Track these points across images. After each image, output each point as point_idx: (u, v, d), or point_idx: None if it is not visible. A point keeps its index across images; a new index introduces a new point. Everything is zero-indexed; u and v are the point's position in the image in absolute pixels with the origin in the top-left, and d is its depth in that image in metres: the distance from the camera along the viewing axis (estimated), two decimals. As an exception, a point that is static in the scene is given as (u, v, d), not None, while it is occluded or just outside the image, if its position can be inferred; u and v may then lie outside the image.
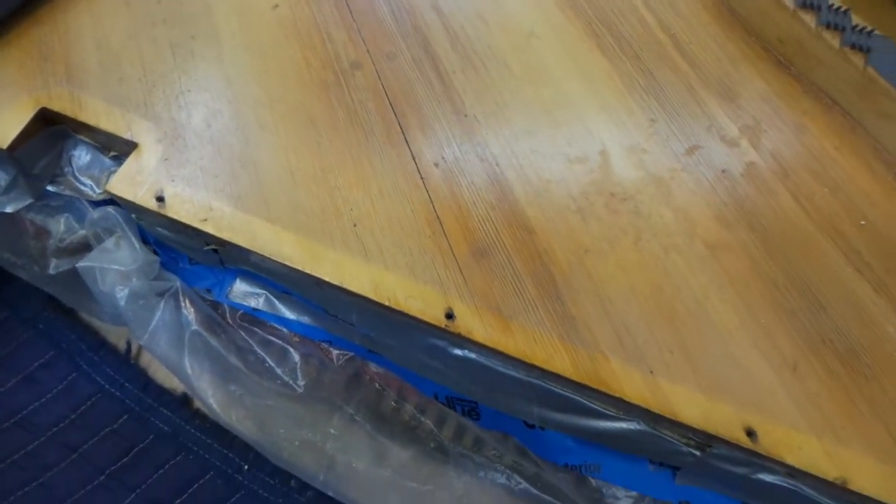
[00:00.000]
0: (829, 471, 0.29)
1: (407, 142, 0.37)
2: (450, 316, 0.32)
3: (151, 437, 0.44)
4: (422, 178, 0.36)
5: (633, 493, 0.37)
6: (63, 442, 0.44)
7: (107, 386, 0.45)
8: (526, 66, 0.40)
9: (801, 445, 0.30)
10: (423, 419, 0.41)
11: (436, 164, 0.37)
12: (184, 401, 0.45)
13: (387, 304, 0.33)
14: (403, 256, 0.34)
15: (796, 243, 0.35)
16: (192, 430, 0.44)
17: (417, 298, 0.33)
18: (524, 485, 0.40)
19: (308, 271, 0.33)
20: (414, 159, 0.37)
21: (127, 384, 0.46)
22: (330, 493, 0.39)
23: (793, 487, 0.31)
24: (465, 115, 0.39)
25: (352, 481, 0.39)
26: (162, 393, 0.46)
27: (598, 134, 0.38)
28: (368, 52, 0.41)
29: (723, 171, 0.37)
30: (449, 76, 0.40)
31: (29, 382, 0.46)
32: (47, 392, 0.45)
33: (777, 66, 0.41)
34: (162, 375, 0.47)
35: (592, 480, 0.37)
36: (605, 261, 0.34)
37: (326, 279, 0.33)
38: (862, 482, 0.29)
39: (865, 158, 0.37)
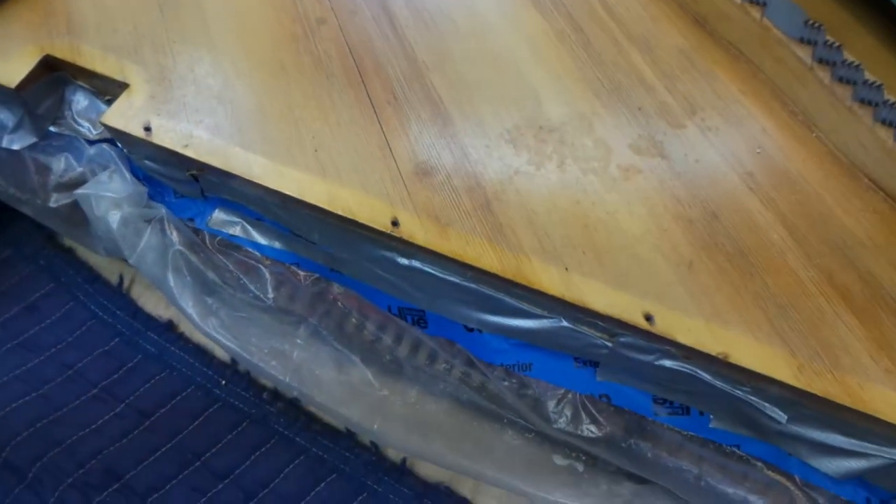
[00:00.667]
0: (713, 347, 0.34)
1: (364, 83, 0.43)
2: (395, 223, 0.38)
3: (140, 356, 0.49)
4: (375, 111, 0.42)
5: (561, 390, 0.42)
6: (61, 360, 0.49)
7: (100, 313, 0.51)
8: (471, 22, 0.46)
9: (691, 328, 0.35)
10: (382, 336, 0.46)
11: (388, 102, 0.42)
12: (169, 326, 0.50)
13: (340, 213, 0.38)
14: (357, 175, 0.39)
15: (699, 167, 0.40)
16: (176, 351, 0.49)
17: (367, 208, 0.38)
18: (470, 393, 0.45)
19: (274, 187, 0.39)
20: (369, 97, 0.42)
21: (118, 312, 0.51)
22: (295, 395, 0.44)
23: (690, 371, 0.36)
24: (416, 62, 0.44)
25: (316, 387, 0.44)
26: (149, 319, 0.51)
27: (532, 79, 0.43)
28: (333, 9, 0.46)
29: (639, 109, 0.42)
30: (402, 29, 0.45)
31: (31, 310, 0.51)
32: (47, 318, 0.50)
33: (693, 24, 0.46)
34: (151, 305, 0.52)
35: (528, 381, 0.42)
36: (531, 180, 0.39)
37: (289, 193, 0.38)
38: (741, 356, 0.34)
39: (764, 98, 0.43)
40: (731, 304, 0.36)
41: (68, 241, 0.54)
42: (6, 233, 0.53)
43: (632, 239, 0.37)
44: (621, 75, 0.44)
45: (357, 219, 0.38)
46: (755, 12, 0.43)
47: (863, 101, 0.38)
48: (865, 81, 0.39)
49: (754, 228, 0.38)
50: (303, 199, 0.38)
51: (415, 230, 0.37)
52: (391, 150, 0.40)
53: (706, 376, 0.36)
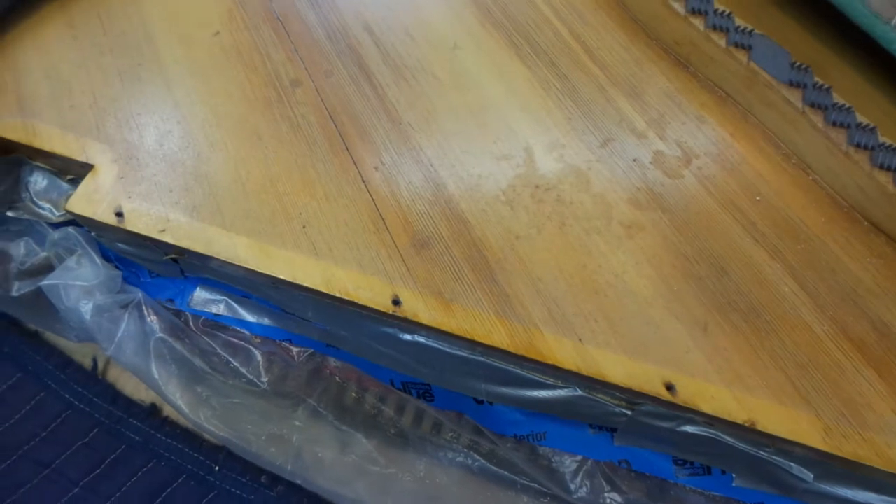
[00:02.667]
0: (739, 415, 0.33)
1: (348, 149, 0.41)
2: (396, 302, 0.36)
3: (123, 447, 0.46)
4: (363, 181, 0.39)
5: (578, 457, 0.40)
6: (35, 459, 0.45)
7: (75, 402, 0.47)
8: (452, 75, 0.44)
9: (714, 395, 0.34)
10: (383, 408, 0.44)
11: (375, 168, 0.40)
12: (152, 411, 0.47)
13: (338, 295, 0.36)
14: (351, 252, 0.37)
15: (701, 219, 0.39)
16: (163, 438, 0.46)
17: (366, 289, 0.36)
18: (481, 461, 0.43)
19: (263, 271, 0.36)
20: (355, 164, 0.40)
21: (95, 399, 0.47)
22: (298, 482, 0.42)
23: (713, 436, 0.35)
24: (400, 123, 0.42)
25: (319, 470, 0.42)
26: (131, 405, 0.47)
27: (521, 133, 0.42)
28: (307, 70, 0.44)
29: (634, 160, 0.41)
30: (383, 88, 0.43)
31: (-4, 405, 0.47)
32: (16, 413, 0.46)
33: (676, 65, 0.46)
34: (130, 388, 0.48)
35: (542, 449, 0.41)
36: (533, 245, 0.38)
37: (280, 276, 0.36)
38: (767, 423, 0.33)
39: (757, 142, 0.42)
40: (750, 366, 0.35)
41: (33, 326, 0.50)
42: (-38, 321, 0.49)
43: (643, 302, 0.36)
44: (612, 124, 0.43)
45: (356, 300, 0.36)
46: (741, 56, 0.42)
47: (858, 146, 0.38)
48: (859, 125, 0.38)
49: (764, 283, 0.37)
50: (295, 282, 0.36)
51: (418, 308, 0.36)
52: (385, 223, 0.38)
53: (730, 440, 0.35)
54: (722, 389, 0.34)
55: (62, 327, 0.45)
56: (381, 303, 0.36)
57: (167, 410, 0.47)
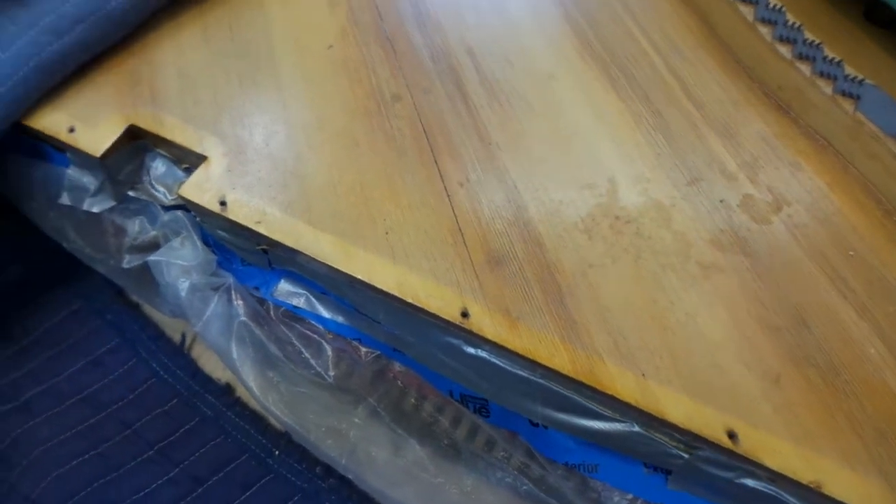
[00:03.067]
0: (804, 475, 0.32)
1: (436, 163, 0.43)
2: (465, 314, 0.37)
3: (197, 419, 0.49)
4: (448, 195, 0.41)
5: (629, 496, 0.39)
6: (120, 419, 0.49)
7: (161, 372, 0.51)
8: (545, 102, 0.45)
9: (779, 450, 0.33)
10: (440, 418, 0.45)
11: (460, 184, 0.42)
12: (227, 389, 0.50)
13: (409, 300, 0.37)
14: (427, 261, 0.38)
15: (785, 268, 0.38)
16: (232, 416, 0.49)
17: (437, 297, 0.37)
18: (529, 486, 0.43)
19: (342, 269, 0.38)
20: (441, 178, 0.42)
21: (178, 371, 0.51)
22: (350, 477, 0.43)
23: (774, 494, 0.34)
24: (489, 144, 0.43)
25: (371, 468, 0.43)
26: (208, 381, 0.51)
27: (607, 164, 0.42)
28: (408, 86, 0.46)
29: (721, 201, 0.41)
30: (476, 109, 0.45)
31: (96, 365, 0.51)
32: (110, 374, 0.51)
33: (776, 110, 0.45)
34: (210, 366, 0.52)
35: (592, 482, 0.40)
36: (606, 275, 0.38)
37: (358, 276, 0.38)
38: (835, 487, 0.31)
39: (855, 195, 0.41)
40: (822, 426, 0.33)
41: (135, 298, 0.55)
42: (78, 286, 0.55)
43: (713, 346, 0.35)
44: (701, 163, 0.42)
45: (426, 307, 0.37)
46: (847, 105, 0.41)
47: (970, 209, 0.36)
48: (973, 187, 0.36)
49: (848, 341, 0.35)
50: (371, 283, 0.38)
51: (484, 323, 0.36)
52: (463, 237, 0.39)
53: (792, 500, 0.33)
54: (788, 445, 0.32)
55: (160, 301, 0.49)
56: (450, 313, 0.37)
57: (239, 392, 0.51)
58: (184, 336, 0.53)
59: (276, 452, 0.48)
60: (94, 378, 0.51)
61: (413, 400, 0.45)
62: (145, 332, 0.53)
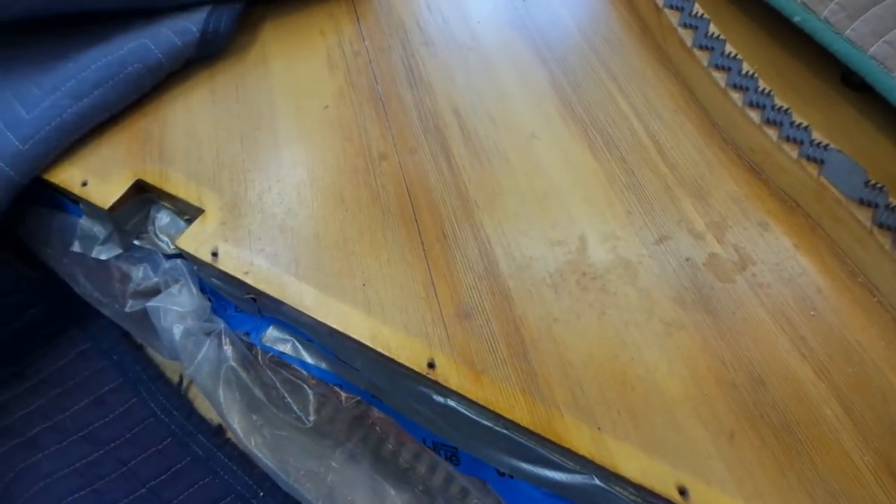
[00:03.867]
0: (754, 533, 0.32)
1: (416, 220, 0.45)
2: (431, 365, 0.38)
3: (188, 458, 0.51)
4: (424, 250, 0.43)
5: (595, 548, 0.40)
6: (117, 456, 0.51)
7: (158, 412, 0.53)
8: (524, 161, 0.48)
9: (731, 507, 0.33)
10: (416, 465, 0.46)
11: (437, 240, 0.44)
12: (218, 430, 0.53)
13: (381, 350, 0.39)
14: (399, 313, 0.40)
15: (746, 326, 0.39)
16: (222, 457, 0.51)
17: (406, 349, 0.39)
18: (503, 535, 0.44)
19: (321, 319, 0.40)
20: (420, 235, 0.44)
21: (175, 412, 0.53)
22: (327, 520, 0.45)
23: (730, 551, 0.34)
24: (468, 201, 0.46)
25: (347, 513, 0.45)
26: (202, 422, 0.53)
27: (579, 221, 0.44)
28: (395, 146, 0.49)
29: (686, 260, 0.42)
30: (458, 168, 0.48)
31: (98, 403, 0.54)
32: (111, 412, 0.54)
33: (748, 171, 0.46)
34: (204, 407, 0.54)
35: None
36: (570, 329, 0.39)
37: (335, 326, 0.40)
38: (786, 547, 0.32)
39: (821, 255, 0.41)
40: (774, 484, 0.33)
41: (139, 340, 0.58)
42: (87, 327, 0.58)
43: (670, 402, 0.36)
44: (671, 222, 0.44)
45: (395, 358, 0.39)
46: (812, 169, 0.42)
47: (927, 273, 0.36)
48: (931, 251, 0.37)
49: (804, 400, 0.36)
50: (347, 333, 0.40)
51: (449, 374, 0.38)
52: (435, 290, 0.41)
53: (746, 559, 0.34)
54: (738, 502, 0.33)
55: (159, 344, 0.52)
56: (418, 363, 0.38)
57: (230, 433, 0.53)
58: (181, 378, 0.56)
59: (261, 494, 0.49)
60: (96, 416, 0.53)
61: (391, 446, 0.46)
62: (146, 373, 0.55)
